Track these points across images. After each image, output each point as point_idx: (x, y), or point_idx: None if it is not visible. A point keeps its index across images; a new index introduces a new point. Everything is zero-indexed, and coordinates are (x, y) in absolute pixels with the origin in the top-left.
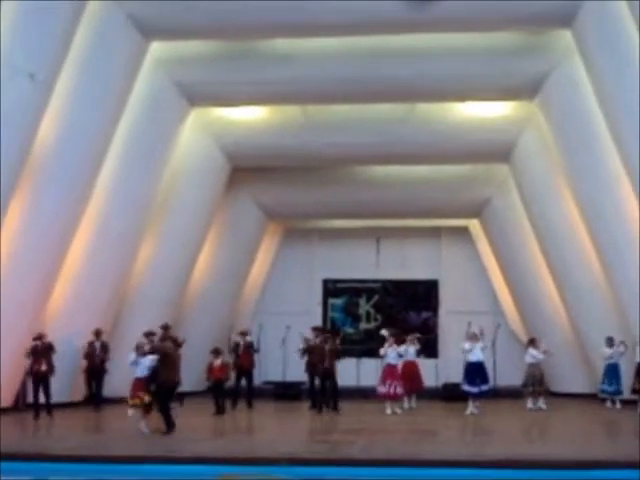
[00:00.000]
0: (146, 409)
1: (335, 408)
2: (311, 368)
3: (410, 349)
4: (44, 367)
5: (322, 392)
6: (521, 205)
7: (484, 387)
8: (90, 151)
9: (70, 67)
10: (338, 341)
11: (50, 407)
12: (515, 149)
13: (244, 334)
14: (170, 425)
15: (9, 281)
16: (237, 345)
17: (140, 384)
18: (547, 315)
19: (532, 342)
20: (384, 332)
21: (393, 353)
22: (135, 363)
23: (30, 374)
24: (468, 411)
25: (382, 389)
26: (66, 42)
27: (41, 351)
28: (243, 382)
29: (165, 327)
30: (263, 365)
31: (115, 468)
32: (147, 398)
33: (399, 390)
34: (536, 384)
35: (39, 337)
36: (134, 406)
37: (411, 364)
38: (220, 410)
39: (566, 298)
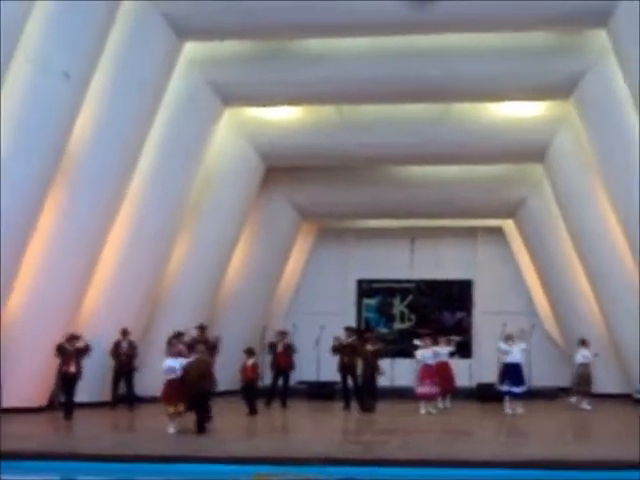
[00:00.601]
0: (179, 414)
1: (371, 408)
2: (343, 368)
3: (444, 350)
4: (72, 369)
5: (359, 391)
6: (556, 205)
7: (524, 388)
8: (124, 150)
9: (105, 66)
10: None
11: (71, 409)
12: (550, 149)
13: (283, 334)
14: (201, 428)
15: (44, 281)
16: (274, 345)
17: (174, 387)
18: (582, 315)
19: (584, 343)
20: (417, 342)
21: (429, 353)
22: (169, 369)
23: (59, 375)
24: (513, 411)
25: (422, 389)
26: (101, 41)
27: (72, 353)
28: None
29: (201, 327)
30: (297, 365)
31: (147, 468)
32: (181, 407)
33: (435, 390)
34: (582, 384)
35: (70, 338)
36: (172, 414)
37: (444, 365)
38: (252, 411)
39: (601, 298)
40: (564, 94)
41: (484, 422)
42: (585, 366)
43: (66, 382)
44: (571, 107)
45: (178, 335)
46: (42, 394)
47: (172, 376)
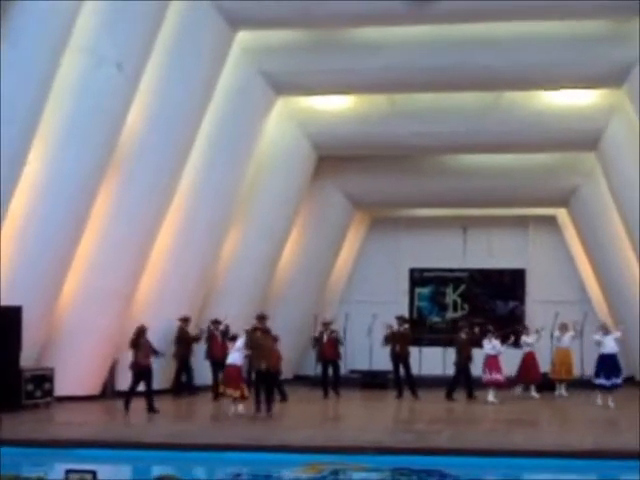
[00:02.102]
0: (241, 398)
1: (470, 395)
2: (395, 356)
3: (529, 339)
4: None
5: (411, 379)
6: (609, 194)
7: (617, 380)
8: (177, 140)
9: (157, 57)
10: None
11: (152, 401)
12: (603, 137)
13: (327, 324)
14: (269, 409)
15: (97, 271)
16: (319, 338)
17: (233, 372)
18: (635, 305)
19: None
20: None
21: (489, 345)
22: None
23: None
24: (604, 403)
25: (487, 377)
26: (153, 32)
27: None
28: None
29: (260, 317)
30: (349, 354)
31: (202, 456)
32: (237, 392)
33: (499, 379)
34: None
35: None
36: (227, 396)
37: (530, 354)
38: (283, 397)
39: None
40: (616, 82)
41: (537, 411)
42: None
43: (142, 374)
44: (624, 95)
45: (215, 322)
46: (95, 382)
47: (233, 363)
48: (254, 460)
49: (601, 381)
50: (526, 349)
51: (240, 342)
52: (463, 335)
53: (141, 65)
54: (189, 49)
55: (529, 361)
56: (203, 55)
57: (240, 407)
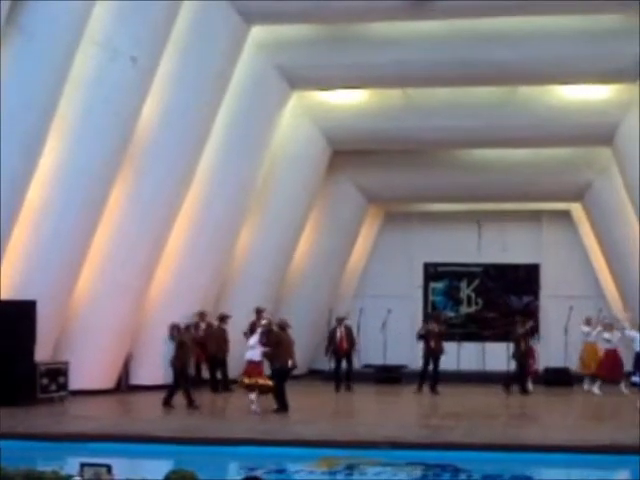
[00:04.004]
0: (262, 391)
1: (524, 390)
2: (430, 352)
3: (613, 336)
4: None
5: (437, 375)
6: (624, 188)
7: None
8: (191, 134)
9: (171, 51)
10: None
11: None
12: (618, 132)
13: (341, 320)
14: (284, 406)
15: (112, 265)
16: (334, 332)
17: (254, 368)
18: None
19: None
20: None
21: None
22: (252, 347)
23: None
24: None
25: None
26: (168, 26)
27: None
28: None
29: (258, 311)
30: (363, 349)
31: (215, 450)
32: (261, 381)
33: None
34: None
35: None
36: (248, 387)
37: (613, 352)
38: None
39: None
40: (631, 77)
41: (551, 406)
42: None
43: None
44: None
45: (224, 317)
46: (110, 376)
47: (252, 359)
48: (268, 454)
49: (635, 379)
50: (607, 346)
51: (254, 339)
52: (520, 329)
53: (156, 59)
54: (204, 44)
55: (613, 359)
56: (218, 50)
57: (255, 405)
